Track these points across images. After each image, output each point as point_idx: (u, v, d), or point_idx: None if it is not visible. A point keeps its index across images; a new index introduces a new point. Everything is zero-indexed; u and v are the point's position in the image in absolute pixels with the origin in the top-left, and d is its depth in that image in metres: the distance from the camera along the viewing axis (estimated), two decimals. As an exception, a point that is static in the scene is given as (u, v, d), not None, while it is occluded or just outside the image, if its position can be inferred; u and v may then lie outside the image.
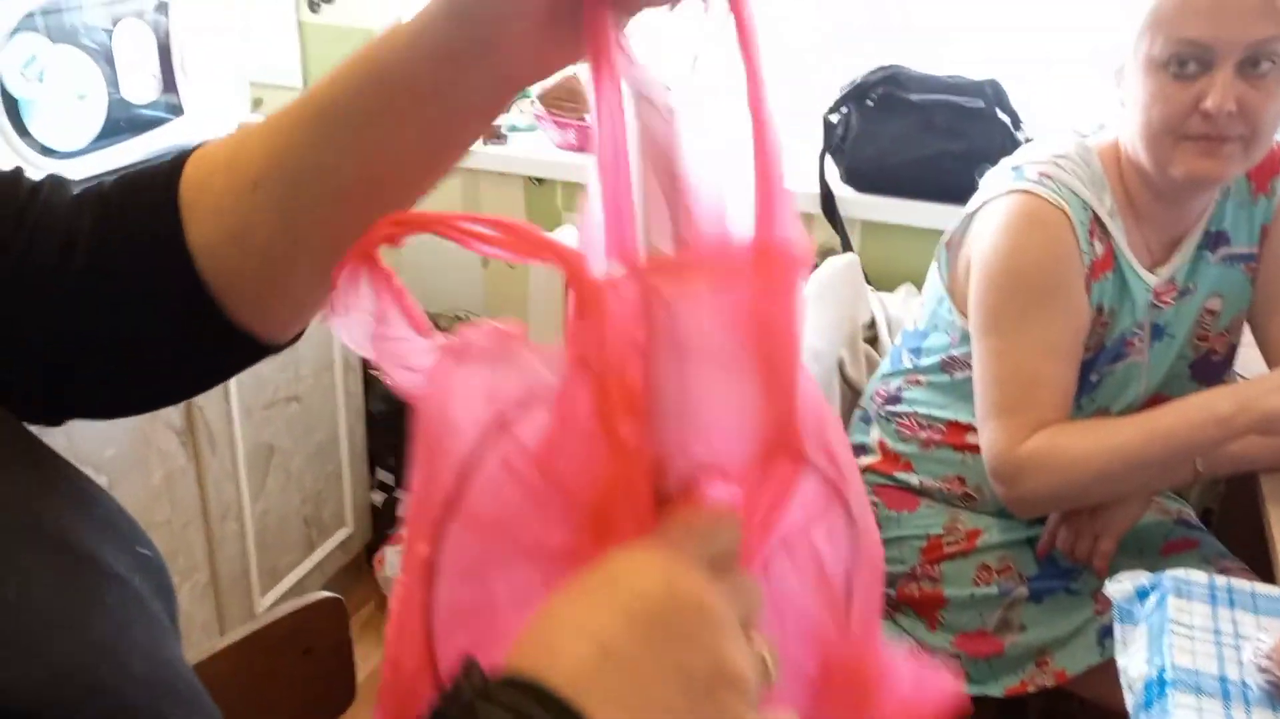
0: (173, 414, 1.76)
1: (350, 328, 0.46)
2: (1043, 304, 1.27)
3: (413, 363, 0.45)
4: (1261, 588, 1.02)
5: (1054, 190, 1.28)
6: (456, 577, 0.41)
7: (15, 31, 1.59)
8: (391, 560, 2.20)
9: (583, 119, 2.15)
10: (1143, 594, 1.01)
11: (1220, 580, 1.02)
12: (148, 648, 0.48)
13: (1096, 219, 1.29)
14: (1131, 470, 1.24)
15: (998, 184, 1.34)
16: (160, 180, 0.56)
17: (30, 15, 1.61)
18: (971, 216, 1.38)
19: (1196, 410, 1.20)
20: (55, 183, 0.59)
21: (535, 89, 2.22)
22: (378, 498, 2.36)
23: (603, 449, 0.38)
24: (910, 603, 1.45)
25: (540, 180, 2.23)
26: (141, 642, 0.48)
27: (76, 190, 0.58)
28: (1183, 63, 1.18)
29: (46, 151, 1.69)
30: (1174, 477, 1.28)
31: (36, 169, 1.77)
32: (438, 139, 0.56)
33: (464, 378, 0.43)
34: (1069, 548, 1.34)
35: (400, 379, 0.45)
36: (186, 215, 0.54)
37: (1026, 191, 1.29)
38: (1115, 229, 1.30)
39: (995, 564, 1.40)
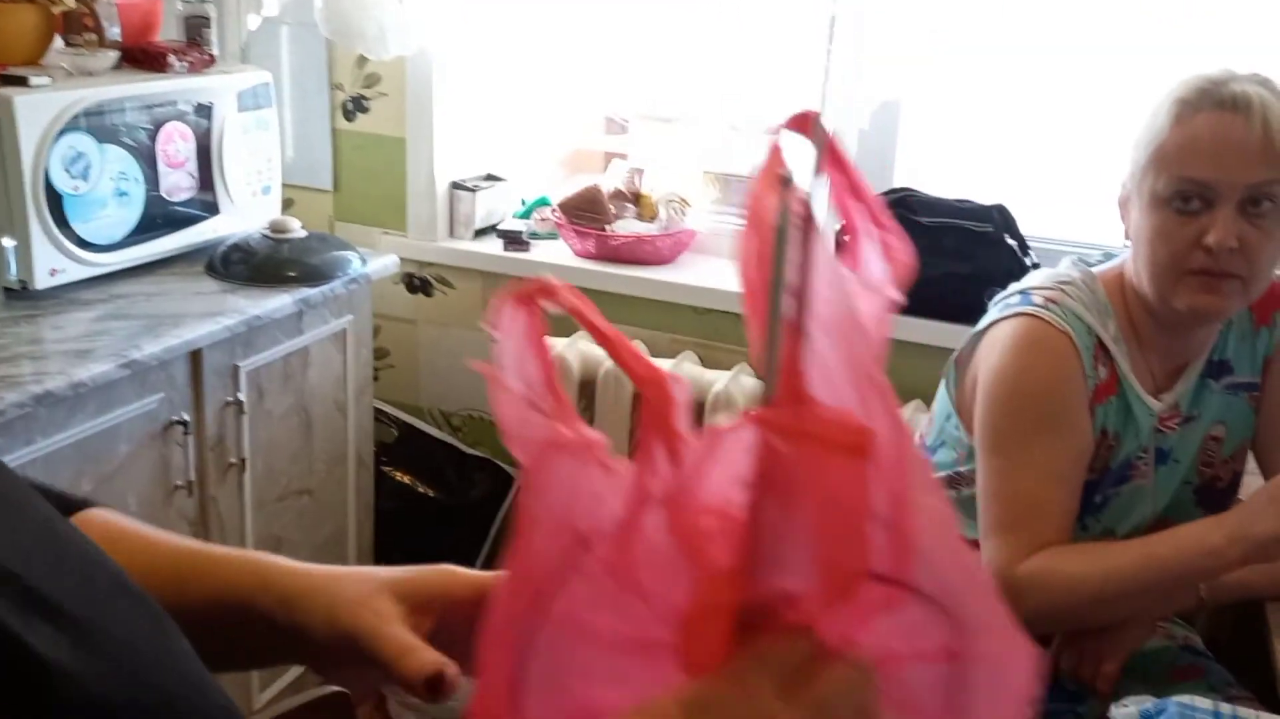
0: (187, 504, 1.78)
1: (503, 354, 0.48)
2: (1046, 427, 1.30)
3: (524, 428, 0.46)
4: (1267, 717, 1.02)
5: (1059, 315, 1.31)
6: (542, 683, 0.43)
7: (63, 132, 1.67)
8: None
9: (602, 229, 2.22)
10: (1148, 718, 1.01)
11: (1225, 708, 1.02)
12: (219, 688, 0.52)
13: (1100, 344, 1.32)
14: (1128, 595, 1.25)
15: (1005, 307, 1.37)
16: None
17: (76, 116, 1.69)
18: (979, 336, 1.41)
19: (1190, 539, 1.21)
20: None
21: (556, 198, 2.29)
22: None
23: (690, 571, 0.39)
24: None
25: (558, 287, 2.28)
26: (214, 683, 0.52)
27: None
28: (1186, 199, 1.22)
29: (84, 244, 1.75)
30: (1175, 602, 1.29)
31: (74, 261, 1.82)
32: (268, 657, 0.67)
33: (568, 478, 0.44)
34: (1072, 669, 1.34)
35: (509, 437, 0.46)
36: None
37: (1033, 315, 1.32)
38: (1119, 354, 1.33)
39: (1001, 685, 1.39)
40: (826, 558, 0.39)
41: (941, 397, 1.48)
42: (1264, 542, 1.15)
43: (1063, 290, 1.34)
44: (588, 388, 2.11)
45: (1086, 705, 1.37)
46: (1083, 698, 1.37)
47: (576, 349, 2.11)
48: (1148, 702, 1.03)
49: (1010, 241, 1.92)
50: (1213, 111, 1.21)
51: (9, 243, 1.65)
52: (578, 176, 2.35)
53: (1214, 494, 1.41)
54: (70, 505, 0.65)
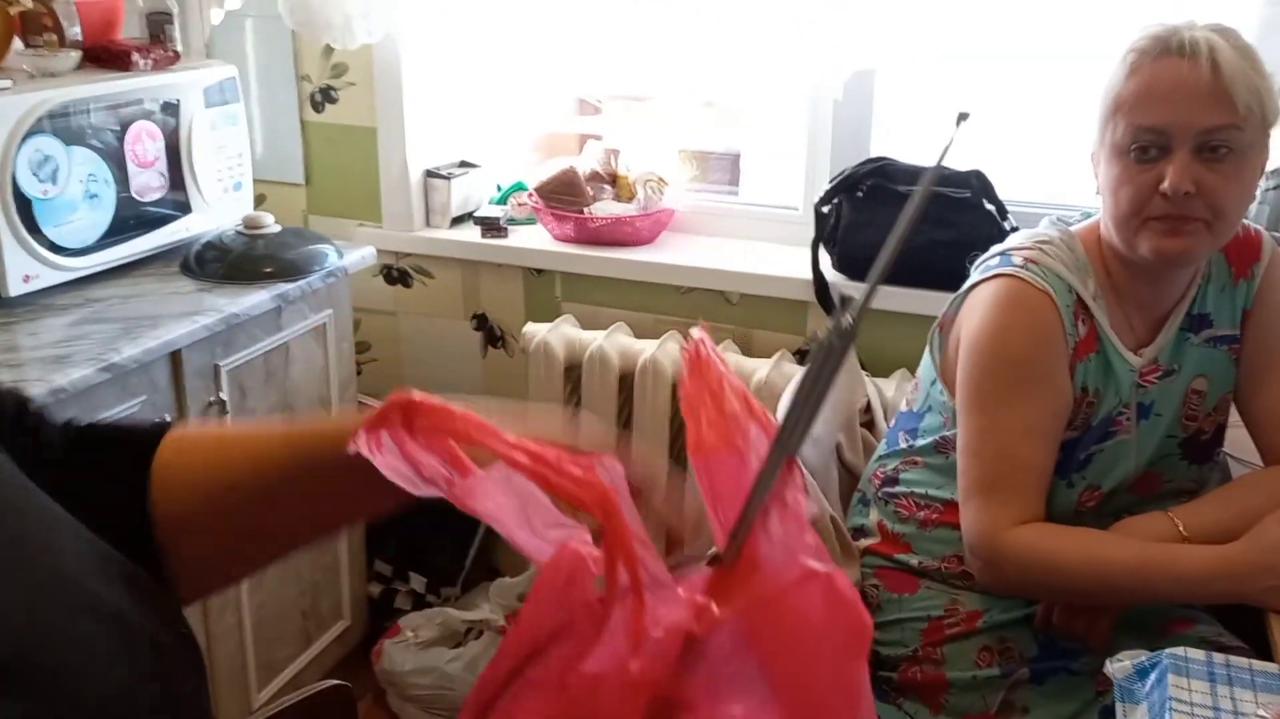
0: (174, 506, 1.76)
1: (391, 469, 0.50)
2: (1027, 385, 1.31)
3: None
4: (1259, 665, 1.03)
5: (1039, 274, 1.32)
6: None
7: (29, 136, 1.65)
8: (389, 653, 2.18)
9: (580, 211, 2.21)
10: (1143, 673, 1.02)
11: (1219, 658, 1.03)
12: (194, 712, 0.52)
13: (1080, 301, 1.33)
14: (1115, 592, 1.28)
15: (986, 268, 1.38)
16: (137, 447, 0.63)
17: (41, 119, 1.66)
18: (961, 299, 1.42)
19: (1189, 562, 1.22)
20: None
21: (532, 182, 2.28)
22: (375, 590, 2.35)
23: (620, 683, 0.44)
24: (913, 687, 1.45)
25: (539, 271, 2.28)
26: (187, 707, 0.52)
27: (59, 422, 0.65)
28: (1143, 147, 1.24)
29: (56, 249, 1.73)
30: (1159, 601, 1.33)
31: (47, 266, 1.80)
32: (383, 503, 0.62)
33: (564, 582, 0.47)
34: (1066, 626, 1.35)
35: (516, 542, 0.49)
36: (157, 490, 0.61)
37: (1013, 275, 1.33)
38: (1098, 311, 1.34)
39: (996, 645, 1.41)
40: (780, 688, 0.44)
41: (926, 363, 1.49)
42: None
43: (1042, 250, 1.35)
44: (572, 372, 2.11)
45: (1080, 662, 1.38)
46: (1076, 654, 1.38)
47: (560, 333, 2.10)
48: (1142, 655, 1.03)
49: (989, 206, 1.92)
50: (1165, 59, 1.22)
51: (-21, 250, 1.63)
52: (553, 160, 2.34)
53: (1199, 447, 1.42)
54: (153, 437, 0.64)
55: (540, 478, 0.46)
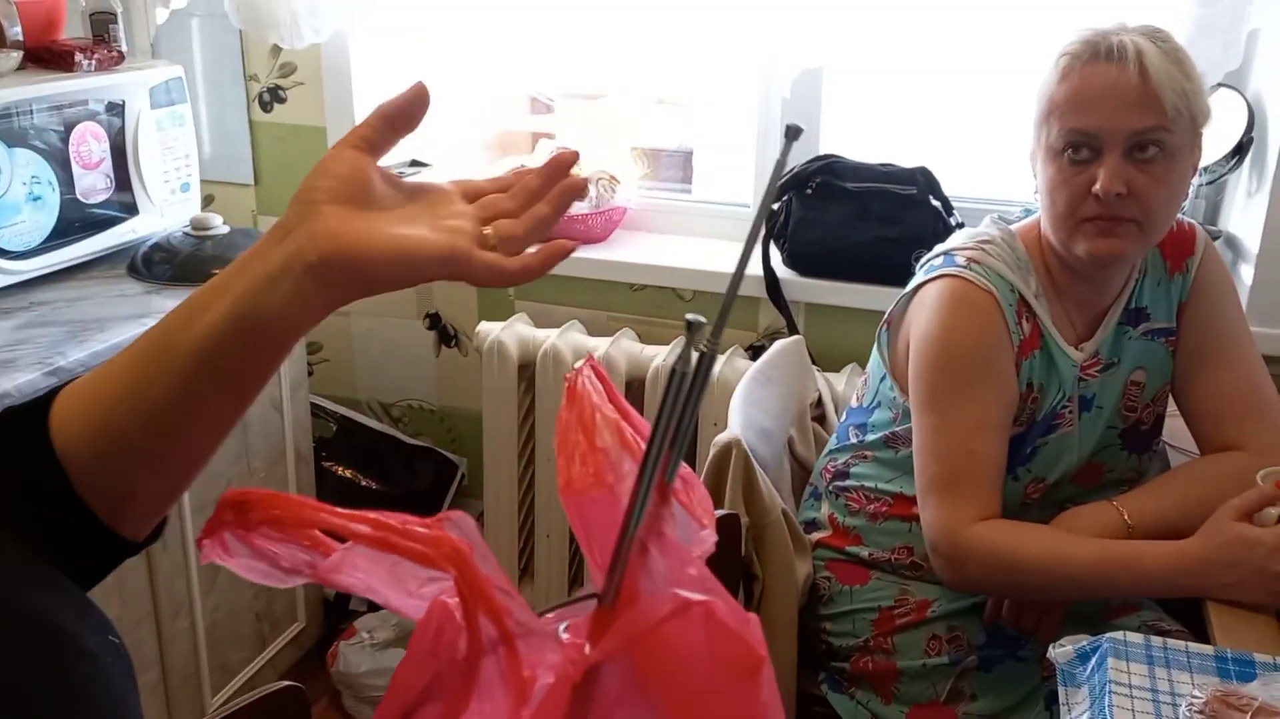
0: (124, 510, 1.75)
1: (247, 569, 0.50)
2: (976, 382, 1.33)
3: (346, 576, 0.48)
4: (1195, 647, 1.06)
5: (982, 274, 1.35)
6: None
7: (-30, 135, 1.62)
8: (345, 655, 2.17)
9: (532, 210, 2.21)
10: (1084, 657, 1.05)
11: (1157, 642, 1.06)
12: None
13: (1023, 300, 1.36)
14: (1073, 588, 1.31)
15: (930, 268, 1.41)
16: (31, 417, 0.64)
17: (-17, 119, 1.64)
18: (908, 298, 1.44)
19: (1148, 560, 1.24)
20: None
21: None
22: (330, 591, 2.34)
23: None
24: (865, 676, 1.47)
25: (491, 270, 2.27)
26: (124, 714, 0.51)
27: None
28: (1076, 149, 1.27)
29: (0, 252, 1.70)
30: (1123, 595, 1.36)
31: (-9, 269, 1.75)
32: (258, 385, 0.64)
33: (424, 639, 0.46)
34: (1015, 619, 1.38)
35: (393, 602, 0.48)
36: (59, 447, 0.62)
37: (957, 276, 1.35)
38: (1040, 309, 1.37)
39: (945, 634, 1.44)
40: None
41: (875, 359, 1.52)
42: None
43: (984, 250, 1.38)
44: (526, 370, 2.11)
45: (1026, 649, 1.41)
46: (1022, 642, 1.41)
47: (513, 331, 2.11)
48: (1083, 640, 1.06)
49: (935, 203, 1.95)
50: (1095, 63, 1.25)
51: (-81, 254, 1.60)
52: (505, 159, 2.34)
53: (1138, 437, 1.46)
54: (43, 406, 0.65)
55: (386, 544, 0.45)
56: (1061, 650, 1.05)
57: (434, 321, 2.37)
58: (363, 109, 2.26)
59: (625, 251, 2.20)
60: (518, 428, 2.14)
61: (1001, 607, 1.39)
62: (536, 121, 2.56)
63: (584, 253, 2.19)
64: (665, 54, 2.20)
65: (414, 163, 2.39)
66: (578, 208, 2.22)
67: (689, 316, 0.45)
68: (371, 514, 0.45)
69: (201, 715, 1.93)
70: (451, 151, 2.45)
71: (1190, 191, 1.36)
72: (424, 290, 2.34)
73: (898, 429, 1.46)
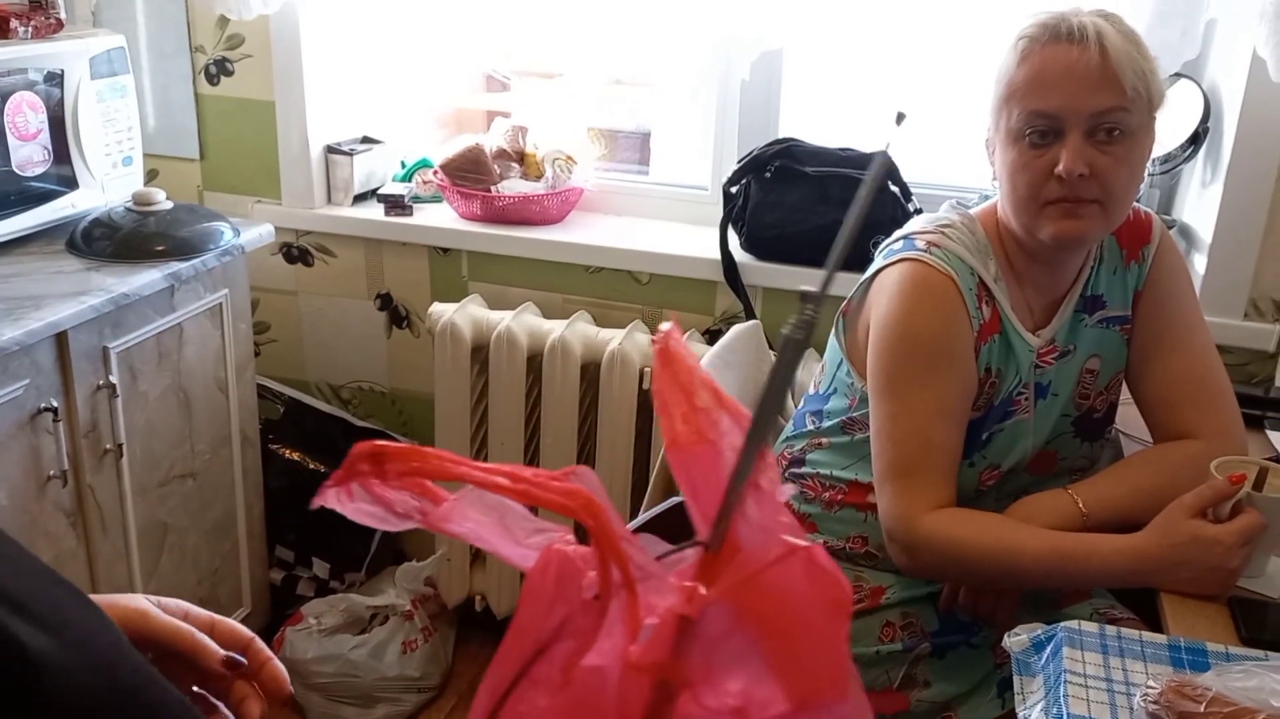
0: (62, 495, 1.69)
1: (362, 514, 0.52)
2: (936, 368, 1.33)
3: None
4: (1149, 636, 1.06)
5: (942, 258, 1.34)
6: None
7: (-102, 103, 1.55)
8: (291, 641, 2.13)
9: (487, 190, 2.17)
10: (1039, 646, 1.05)
11: (1111, 630, 1.06)
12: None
13: (983, 284, 1.36)
14: (1026, 579, 1.31)
15: (890, 253, 1.40)
16: None
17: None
18: (867, 284, 1.43)
19: (1103, 554, 1.24)
20: None
21: (438, 159, 2.24)
22: (277, 576, 2.30)
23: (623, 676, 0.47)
24: (818, 664, 1.47)
25: (445, 250, 2.24)
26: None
27: None
28: (1038, 132, 1.27)
29: (-71, 225, 1.64)
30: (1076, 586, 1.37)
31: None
32: None
33: (553, 586, 0.50)
34: (971, 605, 1.38)
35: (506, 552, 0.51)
36: None
37: (916, 259, 1.34)
38: (1000, 293, 1.37)
39: (899, 621, 1.43)
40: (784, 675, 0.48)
41: (832, 345, 1.50)
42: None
43: (944, 234, 1.37)
44: (480, 352, 2.08)
45: (979, 636, 1.41)
46: (975, 629, 1.41)
47: (467, 313, 2.07)
48: (1038, 629, 1.06)
49: (894, 188, 1.94)
50: (1054, 45, 1.25)
51: None
52: (459, 136, 2.29)
53: (1091, 424, 1.46)
54: None
55: (525, 495, 0.49)
56: (1016, 639, 1.05)
57: (385, 302, 2.32)
58: (313, 83, 2.21)
59: (581, 233, 2.17)
60: (470, 410, 2.10)
61: (957, 594, 1.39)
62: (492, 99, 2.51)
63: (539, 234, 2.16)
64: (623, 33, 2.17)
65: (365, 139, 2.34)
66: (533, 188, 2.19)
67: (803, 288, 0.51)
68: (508, 467, 0.49)
69: None
70: (403, 128, 2.40)
71: (1144, 178, 1.36)
72: (375, 270, 2.30)
73: (854, 415, 1.45)
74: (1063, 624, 1.06)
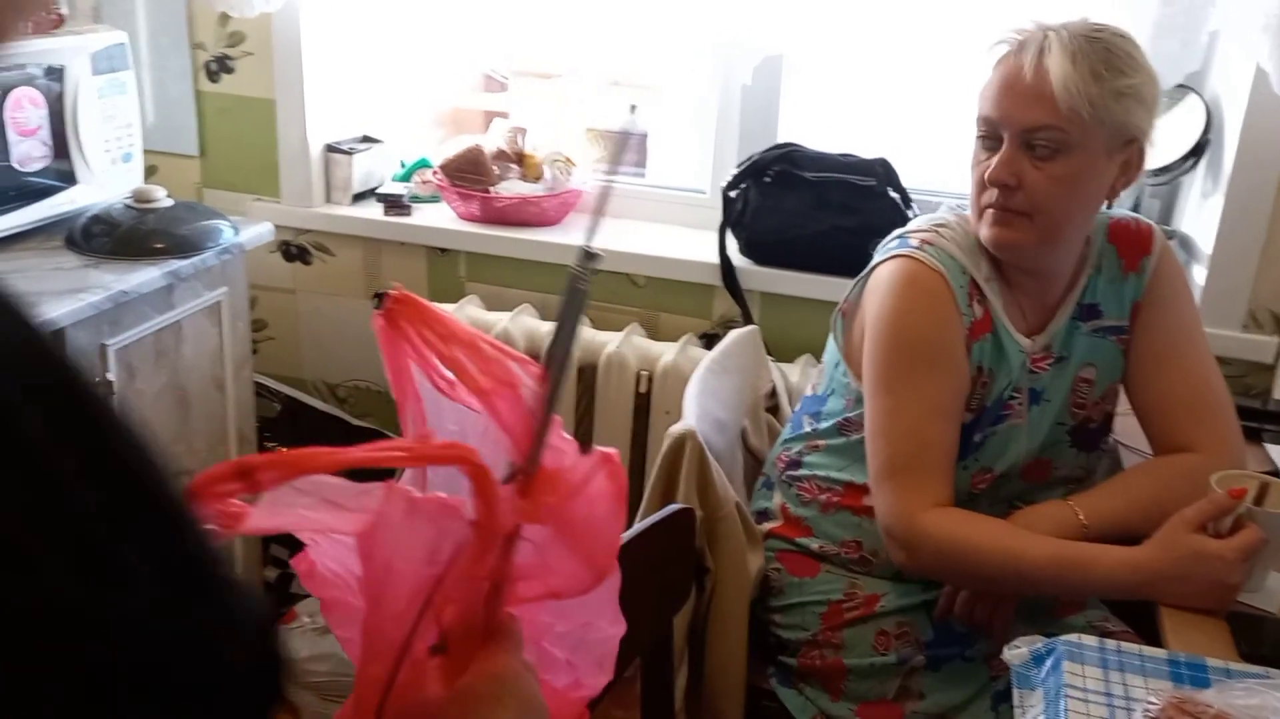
0: (56, 492, 1.69)
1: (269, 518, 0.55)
2: (929, 364, 1.33)
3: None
4: (1148, 651, 1.06)
5: (933, 255, 1.35)
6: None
7: (-103, 97, 1.54)
8: (284, 639, 2.12)
9: (485, 190, 2.17)
10: (1039, 659, 1.05)
11: (1111, 644, 1.06)
12: None
13: (974, 283, 1.36)
14: (1023, 584, 1.32)
15: (884, 251, 1.41)
16: None
17: (-88, 81, 1.56)
18: (863, 282, 1.43)
19: (1104, 566, 1.24)
20: None
21: (437, 159, 2.23)
22: (271, 574, 2.29)
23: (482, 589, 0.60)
24: (814, 673, 1.47)
25: (444, 251, 2.23)
26: None
27: None
28: (986, 138, 1.31)
29: (-73, 220, 1.63)
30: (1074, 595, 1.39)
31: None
32: None
33: (409, 531, 0.58)
34: (967, 614, 1.38)
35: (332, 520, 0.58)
36: None
37: (908, 256, 1.35)
38: (991, 294, 1.38)
39: (893, 630, 1.43)
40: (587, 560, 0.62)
41: (830, 346, 1.51)
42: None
43: (937, 232, 1.38)
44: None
45: (974, 648, 1.41)
46: (970, 641, 1.41)
47: (464, 314, 2.07)
48: (1038, 642, 1.06)
49: (893, 194, 1.94)
50: (1015, 56, 1.28)
51: None
52: (458, 137, 2.29)
53: (1087, 434, 1.46)
54: None
55: (415, 459, 0.62)
56: (1016, 653, 1.05)
57: (382, 301, 2.31)
58: (314, 82, 2.20)
59: (580, 236, 2.15)
60: (467, 412, 2.10)
61: (953, 603, 1.39)
62: (490, 99, 2.51)
63: (537, 235, 2.15)
64: (624, 36, 2.17)
65: (365, 139, 2.33)
66: (532, 189, 2.19)
67: (587, 247, 0.63)
68: (389, 442, 0.57)
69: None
70: (402, 127, 2.40)
71: (1107, 197, 1.35)
72: (373, 269, 2.29)
73: (850, 415, 1.45)
74: (1063, 638, 1.06)
